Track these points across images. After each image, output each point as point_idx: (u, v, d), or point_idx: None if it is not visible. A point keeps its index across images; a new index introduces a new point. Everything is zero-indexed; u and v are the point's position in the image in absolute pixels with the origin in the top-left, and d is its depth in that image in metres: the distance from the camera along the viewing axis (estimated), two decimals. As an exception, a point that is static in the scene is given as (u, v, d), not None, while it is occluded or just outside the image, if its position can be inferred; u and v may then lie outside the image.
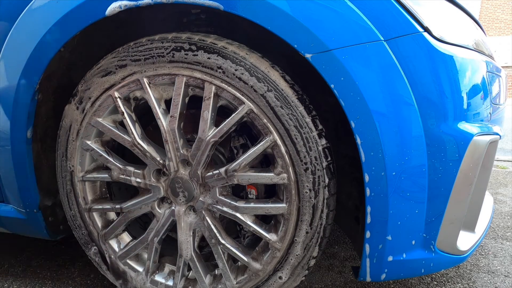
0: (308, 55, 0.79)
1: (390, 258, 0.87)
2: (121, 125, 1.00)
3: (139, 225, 1.24)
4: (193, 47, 0.87)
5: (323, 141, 0.87)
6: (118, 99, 0.95)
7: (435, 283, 1.25)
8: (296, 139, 0.86)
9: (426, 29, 0.78)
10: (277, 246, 0.94)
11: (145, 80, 0.92)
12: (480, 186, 0.94)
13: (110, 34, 1.06)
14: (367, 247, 0.88)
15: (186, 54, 0.88)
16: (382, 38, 0.77)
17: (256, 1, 0.79)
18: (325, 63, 0.78)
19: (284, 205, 0.91)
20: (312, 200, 0.88)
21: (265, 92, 0.85)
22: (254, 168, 0.94)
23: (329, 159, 0.88)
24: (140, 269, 1.09)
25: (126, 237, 1.11)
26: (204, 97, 0.89)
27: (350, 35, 0.77)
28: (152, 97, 0.92)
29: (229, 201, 0.94)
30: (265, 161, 1.02)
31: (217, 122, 0.92)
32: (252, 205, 0.94)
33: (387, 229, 0.84)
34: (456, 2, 1.01)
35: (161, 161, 0.96)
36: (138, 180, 0.99)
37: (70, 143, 1.02)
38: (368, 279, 0.91)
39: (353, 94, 0.78)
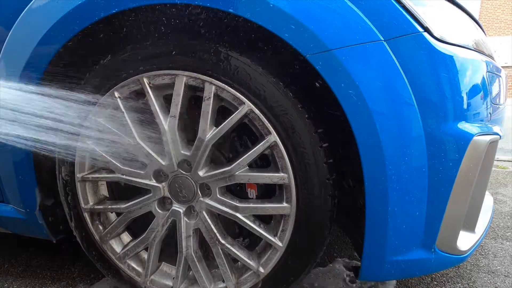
0: (308, 55, 0.79)
1: (390, 259, 0.87)
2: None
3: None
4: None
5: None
6: (119, 99, 0.95)
7: (435, 283, 1.25)
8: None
9: (426, 29, 0.78)
10: (276, 246, 0.93)
11: (145, 80, 0.92)
12: (480, 186, 0.94)
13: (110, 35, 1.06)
14: (367, 248, 0.88)
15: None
16: (382, 38, 0.77)
17: (257, 2, 0.79)
18: (325, 63, 0.78)
19: (284, 205, 0.91)
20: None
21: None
22: (254, 167, 0.94)
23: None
24: (140, 269, 1.09)
25: (126, 238, 1.11)
26: (204, 97, 0.89)
27: (350, 35, 0.77)
28: (152, 97, 0.92)
29: (229, 201, 0.94)
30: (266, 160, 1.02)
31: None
32: (252, 205, 0.94)
33: (387, 230, 0.84)
34: (456, 2, 1.00)
35: (161, 161, 0.96)
36: (138, 180, 0.99)
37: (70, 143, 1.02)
38: (368, 279, 0.91)
39: (353, 94, 0.78)
